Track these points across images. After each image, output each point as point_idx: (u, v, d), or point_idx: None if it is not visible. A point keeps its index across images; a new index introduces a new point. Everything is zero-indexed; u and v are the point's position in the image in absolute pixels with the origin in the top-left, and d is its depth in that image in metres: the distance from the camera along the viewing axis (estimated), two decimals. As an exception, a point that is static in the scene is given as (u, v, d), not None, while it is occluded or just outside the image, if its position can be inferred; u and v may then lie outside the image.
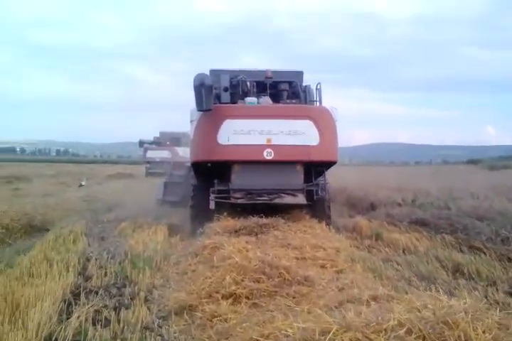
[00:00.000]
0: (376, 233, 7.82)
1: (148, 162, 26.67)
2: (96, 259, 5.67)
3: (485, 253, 6.07)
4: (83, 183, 23.49)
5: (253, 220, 7.32)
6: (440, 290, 4.58)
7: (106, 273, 5.20)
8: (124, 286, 4.78)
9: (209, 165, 7.77)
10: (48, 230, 8.23)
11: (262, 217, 7.44)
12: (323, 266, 5.07)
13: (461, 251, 6.45)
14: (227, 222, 7.52)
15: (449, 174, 29.95)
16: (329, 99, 8.30)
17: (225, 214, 7.90)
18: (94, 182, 26.30)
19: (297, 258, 5.19)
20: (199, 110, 7.34)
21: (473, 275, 5.29)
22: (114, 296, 4.46)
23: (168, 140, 27.28)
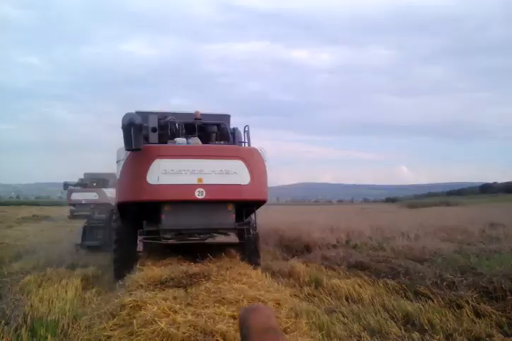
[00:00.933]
0: (315, 279, 7.24)
1: (73, 204, 24.99)
2: (-16, 327, 4.55)
3: (432, 300, 5.67)
4: None
5: (181, 269, 6.54)
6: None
7: (-5, 345, 4.14)
8: (17, 364, 3.77)
9: (135, 207, 7.37)
10: None
11: (191, 264, 6.79)
12: (264, 326, 4.35)
13: (407, 297, 6.01)
14: (152, 272, 6.63)
15: (373, 213, 30.77)
16: (255, 141, 8.29)
17: (149, 263, 7.10)
18: (4, 226, 24.05)
19: (234, 318, 4.43)
20: (128, 149, 7.00)
21: (426, 327, 4.81)
22: (1, 381, 3.45)
23: (94, 181, 25.87)
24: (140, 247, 7.30)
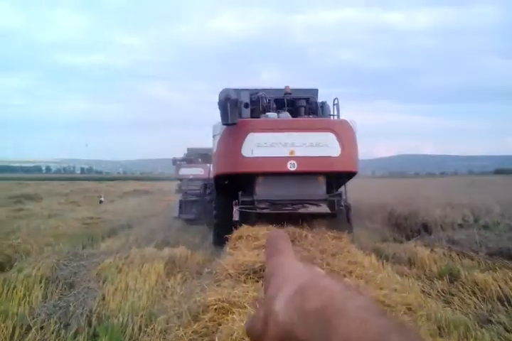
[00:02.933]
0: (448, 270, 5.66)
1: (180, 179, 25.62)
2: (40, 329, 3.68)
3: None
4: (102, 199, 24.06)
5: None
6: None
7: (46, 357, 3.23)
8: None
9: (231, 179, 7.88)
10: (10, 268, 6.24)
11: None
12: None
13: None
14: (243, 257, 5.51)
15: (489, 185, 27.32)
16: (351, 113, 7.82)
17: (241, 246, 6.07)
18: (107, 201, 25.01)
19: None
20: (224, 124, 7.39)
21: None
22: None
23: (199, 156, 26.10)
24: (236, 216, 7.67)
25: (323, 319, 0.39)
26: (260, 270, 5.09)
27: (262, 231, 7.26)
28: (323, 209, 7.66)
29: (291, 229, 7.48)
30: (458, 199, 13.20)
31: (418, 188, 22.18)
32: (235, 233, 7.27)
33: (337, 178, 8.09)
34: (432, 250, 6.80)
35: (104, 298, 4.60)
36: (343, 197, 8.12)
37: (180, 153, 28.72)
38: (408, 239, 8.83)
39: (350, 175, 8.12)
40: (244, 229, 7.38)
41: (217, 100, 7.34)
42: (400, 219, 10.34)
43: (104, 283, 5.28)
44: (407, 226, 9.75)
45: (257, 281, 4.84)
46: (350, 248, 6.42)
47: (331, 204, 7.71)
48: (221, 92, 7.29)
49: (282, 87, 8.97)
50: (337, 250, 6.18)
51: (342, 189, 8.42)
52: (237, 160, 7.47)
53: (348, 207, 8.10)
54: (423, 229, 9.14)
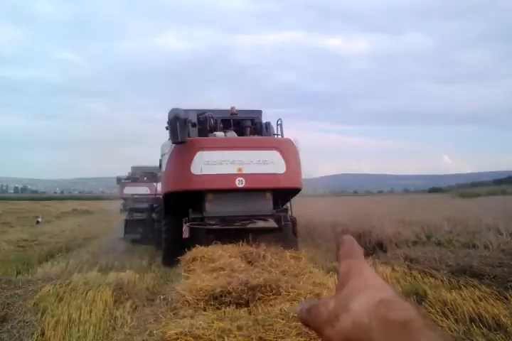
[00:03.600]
0: (414, 290, 5.47)
1: (124, 198, 24.51)
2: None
3: None
4: (40, 220, 22.99)
5: (240, 278, 4.97)
6: None
7: None
8: None
9: (181, 196, 7.89)
10: None
11: (249, 271, 5.32)
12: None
13: None
14: (201, 281, 5.08)
15: (427, 203, 28.24)
16: (292, 132, 8.59)
17: (196, 268, 5.67)
18: (43, 221, 23.55)
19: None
20: (174, 142, 7.59)
21: None
22: None
23: (144, 175, 25.21)
24: (186, 234, 7.62)
25: (406, 331, 0.44)
26: (221, 296, 4.69)
27: (217, 252, 6.86)
28: (271, 224, 7.96)
29: (247, 248, 7.14)
30: (405, 216, 13.39)
31: (363, 206, 22.48)
32: (189, 254, 6.82)
33: (283, 194, 8.33)
34: (392, 268, 6.63)
35: (43, 334, 3.98)
36: (289, 212, 8.44)
37: (123, 172, 27.66)
38: (365, 256, 8.69)
39: (295, 191, 8.48)
40: (198, 250, 6.94)
41: (162, 118, 7.68)
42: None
43: (43, 315, 4.61)
44: (362, 244, 9.57)
45: (219, 308, 4.43)
46: (311, 268, 6.16)
47: (277, 220, 8.02)
48: (170, 112, 7.50)
49: (226, 107, 9.33)
50: (298, 271, 5.90)
51: (288, 204, 8.77)
52: (186, 178, 7.63)
53: (293, 221, 8.43)
54: (378, 247, 9.04)
